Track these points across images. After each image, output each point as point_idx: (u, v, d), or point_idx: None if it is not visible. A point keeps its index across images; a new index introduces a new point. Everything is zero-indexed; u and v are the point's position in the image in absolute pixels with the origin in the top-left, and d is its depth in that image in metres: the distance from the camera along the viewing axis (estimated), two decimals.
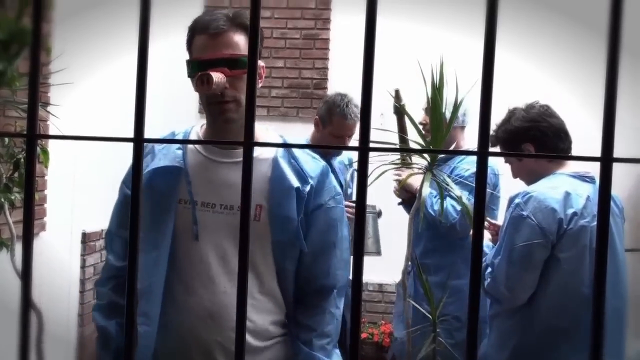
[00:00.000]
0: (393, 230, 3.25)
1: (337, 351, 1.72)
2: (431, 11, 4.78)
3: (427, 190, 2.40)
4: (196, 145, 1.64)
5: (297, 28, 5.05)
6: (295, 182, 1.60)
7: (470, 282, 0.58)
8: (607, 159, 0.53)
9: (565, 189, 2.14)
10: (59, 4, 2.69)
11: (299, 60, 5.06)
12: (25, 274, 0.62)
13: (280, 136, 1.75)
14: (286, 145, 0.65)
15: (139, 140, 0.57)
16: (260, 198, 1.60)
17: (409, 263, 2.58)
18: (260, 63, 1.61)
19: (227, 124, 1.57)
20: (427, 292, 2.54)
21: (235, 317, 1.54)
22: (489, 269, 2.23)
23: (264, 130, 1.71)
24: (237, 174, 1.58)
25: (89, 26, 3.70)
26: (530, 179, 2.31)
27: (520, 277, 2.13)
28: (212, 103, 1.56)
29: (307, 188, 1.63)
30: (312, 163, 1.68)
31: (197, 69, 1.53)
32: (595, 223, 2.19)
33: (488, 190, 2.98)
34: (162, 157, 1.61)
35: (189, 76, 1.58)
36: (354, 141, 3.12)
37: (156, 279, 1.57)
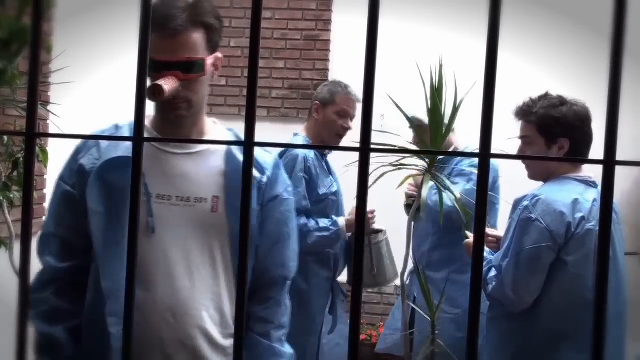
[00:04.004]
0: (392, 232, 3.24)
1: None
2: (432, 11, 4.78)
3: (427, 190, 2.41)
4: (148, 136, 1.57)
5: (297, 29, 5.05)
6: (255, 173, 1.59)
7: (471, 283, 0.58)
8: (610, 162, 0.52)
9: (573, 193, 2.14)
10: (60, 3, 2.69)
11: (299, 61, 5.06)
12: (24, 273, 0.61)
13: (229, 130, 1.71)
14: (287, 146, 0.65)
15: (139, 140, 0.57)
16: (217, 190, 1.58)
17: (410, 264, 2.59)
18: (218, 55, 1.59)
19: (179, 119, 1.57)
20: (427, 295, 2.54)
21: (197, 313, 1.49)
22: (493, 272, 2.22)
23: (211, 123, 1.68)
24: (191, 165, 1.58)
25: (89, 25, 3.70)
26: (545, 178, 2.28)
27: (527, 280, 2.12)
28: (163, 102, 1.52)
29: (265, 179, 1.63)
30: (265, 155, 1.68)
31: (152, 70, 1.47)
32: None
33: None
34: (113, 149, 1.54)
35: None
36: (355, 143, 3.10)
37: (120, 276, 1.47)
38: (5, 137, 2.75)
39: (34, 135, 0.58)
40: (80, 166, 1.55)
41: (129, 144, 1.53)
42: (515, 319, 2.20)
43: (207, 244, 1.57)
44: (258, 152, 1.64)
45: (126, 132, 1.59)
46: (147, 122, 1.61)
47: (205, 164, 1.60)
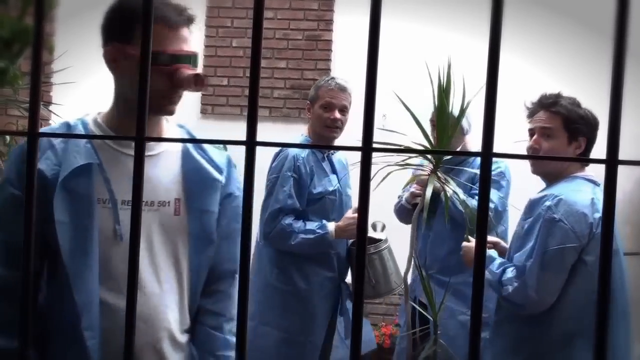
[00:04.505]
0: (395, 233, 3.24)
1: None
2: (436, 12, 4.77)
3: (430, 191, 2.40)
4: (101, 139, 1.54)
5: (299, 29, 5.05)
6: (215, 174, 1.60)
7: (473, 283, 0.57)
8: (612, 161, 0.52)
9: (589, 193, 2.14)
10: (62, 3, 2.69)
11: (301, 61, 5.05)
12: (26, 273, 0.61)
13: (180, 127, 1.69)
14: (289, 145, 0.65)
15: (140, 139, 0.57)
16: (177, 192, 1.57)
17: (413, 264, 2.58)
18: None
19: (169, 114, 1.56)
20: (428, 294, 2.54)
21: (164, 316, 1.45)
22: (510, 274, 2.17)
23: (165, 121, 1.65)
24: (153, 168, 1.53)
25: (90, 25, 3.70)
26: (551, 178, 2.27)
27: (551, 281, 2.10)
28: (168, 97, 1.50)
29: (223, 179, 1.62)
30: (218, 154, 1.65)
31: (161, 63, 1.45)
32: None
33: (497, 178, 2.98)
34: (75, 154, 1.47)
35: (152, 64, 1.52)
36: (357, 141, 3.09)
37: (93, 287, 1.47)
38: (7, 137, 2.75)
39: (36, 135, 0.58)
40: (39, 171, 1.41)
41: (87, 147, 1.49)
42: (529, 321, 2.18)
43: (172, 246, 1.57)
44: (211, 150, 1.63)
45: (80, 131, 1.53)
46: (94, 119, 1.58)
47: (165, 166, 1.58)
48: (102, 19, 1.54)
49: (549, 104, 2.24)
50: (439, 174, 2.50)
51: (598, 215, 2.09)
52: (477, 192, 2.43)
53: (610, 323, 2.06)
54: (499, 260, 2.26)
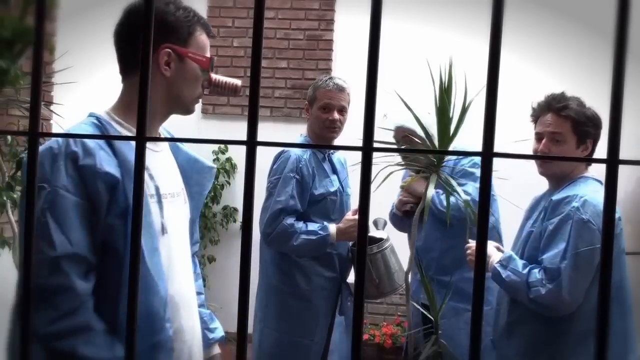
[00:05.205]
0: (396, 234, 3.24)
1: None
2: (437, 12, 4.77)
3: (432, 191, 2.41)
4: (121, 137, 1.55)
5: (300, 29, 5.05)
6: (208, 162, 1.79)
7: (474, 284, 0.57)
8: (613, 161, 0.52)
9: (603, 193, 2.14)
10: (62, 3, 2.69)
11: (302, 61, 5.06)
12: (27, 273, 0.61)
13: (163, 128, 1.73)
14: (290, 145, 0.65)
15: (141, 139, 0.57)
16: (180, 182, 1.68)
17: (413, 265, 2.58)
18: None
19: (189, 114, 1.66)
20: (430, 295, 2.54)
21: (194, 301, 1.49)
22: (538, 275, 2.15)
23: None
24: (165, 161, 1.63)
25: (90, 24, 3.70)
26: (558, 180, 2.27)
27: (582, 282, 2.11)
28: (198, 99, 1.61)
29: (215, 166, 1.83)
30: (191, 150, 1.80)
31: (210, 69, 1.58)
32: (622, 225, 2.23)
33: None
34: (127, 148, 1.46)
35: (205, 70, 1.58)
36: (358, 141, 3.09)
37: (163, 281, 1.49)
38: (9, 137, 2.75)
39: (37, 135, 0.58)
40: (108, 174, 1.39)
41: (131, 145, 1.48)
42: (548, 322, 2.17)
43: (186, 233, 1.68)
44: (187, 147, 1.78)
45: (108, 131, 1.53)
46: (109, 113, 1.59)
47: (170, 160, 1.68)
48: (153, 21, 1.55)
49: (558, 108, 2.22)
50: (441, 175, 2.50)
51: (617, 215, 2.10)
52: (457, 189, 2.45)
53: (617, 323, 2.07)
54: (520, 261, 2.24)
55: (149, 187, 1.51)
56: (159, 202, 1.52)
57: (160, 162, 1.61)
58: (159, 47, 1.52)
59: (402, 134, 3.00)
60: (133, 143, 1.45)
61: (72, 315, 1.34)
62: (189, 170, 1.71)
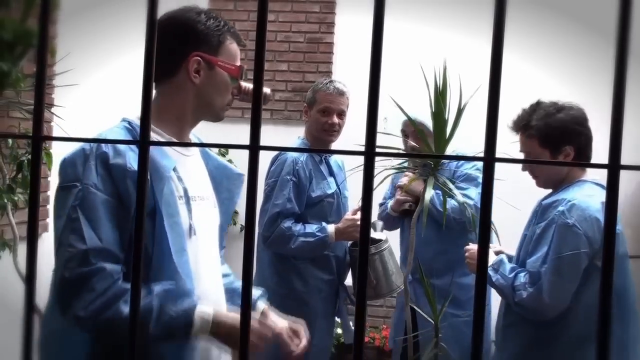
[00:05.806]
0: (395, 236, 3.24)
1: None
2: (436, 13, 4.78)
3: (430, 193, 2.41)
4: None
5: (301, 31, 5.06)
6: (237, 169, 1.80)
7: (475, 284, 0.58)
8: (614, 166, 0.52)
9: (597, 196, 2.13)
10: (62, 5, 2.70)
11: (302, 63, 5.06)
12: (29, 276, 0.61)
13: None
14: (292, 149, 0.65)
15: (144, 143, 0.57)
16: (210, 187, 1.70)
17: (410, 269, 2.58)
18: None
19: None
20: (430, 297, 2.54)
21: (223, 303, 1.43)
22: (523, 279, 2.17)
23: None
24: (196, 166, 1.67)
25: (89, 26, 3.71)
26: (557, 186, 2.27)
27: (565, 286, 2.10)
28: (228, 106, 1.67)
29: (245, 173, 1.81)
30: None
31: (242, 78, 1.65)
32: (621, 230, 2.21)
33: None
34: (161, 157, 1.51)
35: (235, 78, 1.64)
36: (357, 144, 3.09)
37: (197, 278, 1.54)
38: (10, 140, 2.75)
39: (40, 138, 0.58)
40: (136, 173, 1.37)
41: (162, 150, 1.53)
42: (541, 325, 2.17)
43: (215, 237, 1.70)
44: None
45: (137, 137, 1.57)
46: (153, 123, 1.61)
47: (200, 164, 1.71)
48: (182, 29, 1.57)
49: (521, 128, 2.26)
50: (439, 177, 2.50)
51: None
52: (455, 191, 2.45)
53: (619, 327, 2.06)
54: (509, 265, 2.25)
55: (177, 189, 1.54)
56: (187, 203, 1.56)
57: (190, 165, 1.64)
58: (190, 55, 1.56)
59: (411, 129, 2.98)
60: (163, 147, 1.50)
61: (107, 290, 1.39)
62: (219, 176, 1.74)
